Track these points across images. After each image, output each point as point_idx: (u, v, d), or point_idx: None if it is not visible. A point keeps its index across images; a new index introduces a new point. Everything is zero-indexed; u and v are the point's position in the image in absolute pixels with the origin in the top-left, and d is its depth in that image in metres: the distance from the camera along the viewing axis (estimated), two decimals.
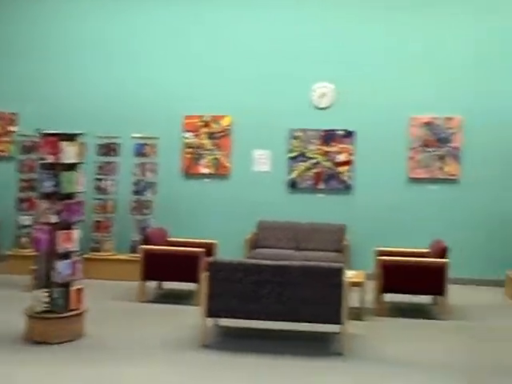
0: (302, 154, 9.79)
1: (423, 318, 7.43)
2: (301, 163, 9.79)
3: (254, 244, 9.45)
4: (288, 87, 9.81)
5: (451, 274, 9.06)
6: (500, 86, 9.32)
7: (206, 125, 10.00)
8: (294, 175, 9.81)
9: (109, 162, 9.38)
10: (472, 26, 9.37)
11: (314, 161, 9.77)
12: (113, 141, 9.40)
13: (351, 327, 6.90)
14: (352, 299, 8.12)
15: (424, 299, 8.29)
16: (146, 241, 8.06)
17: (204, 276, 6.18)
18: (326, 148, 9.74)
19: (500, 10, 9.29)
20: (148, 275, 7.90)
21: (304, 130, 9.76)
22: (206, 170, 10.01)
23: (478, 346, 6.39)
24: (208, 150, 10.00)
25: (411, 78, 9.52)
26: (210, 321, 6.90)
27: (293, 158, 9.82)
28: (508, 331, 6.96)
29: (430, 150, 9.52)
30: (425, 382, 5.38)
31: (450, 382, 5.38)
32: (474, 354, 6.13)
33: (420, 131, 9.54)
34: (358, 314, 7.42)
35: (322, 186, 9.74)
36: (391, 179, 9.60)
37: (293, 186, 9.81)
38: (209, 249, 8.46)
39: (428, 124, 9.52)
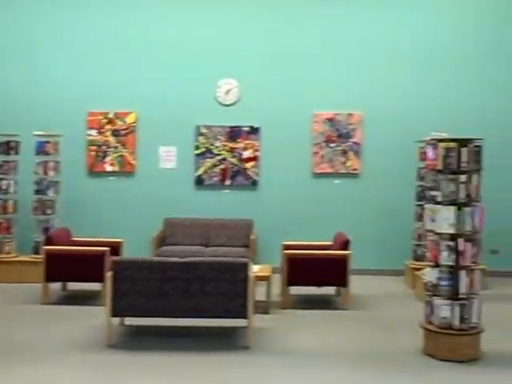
0: (209, 151, 9.83)
1: (327, 309, 7.65)
2: (207, 160, 9.83)
3: (162, 242, 9.41)
4: (194, 84, 9.82)
5: (354, 265, 9.42)
6: (397, 83, 9.71)
7: (111, 122, 9.85)
8: (200, 172, 9.84)
9: (8, 161, 9.06)
10: (369, 23, 9.70)
11: (221, 157, 9.83)
12: (12, 139, 9.09)
13: (258, 321, 7.03)
14: (258, 293, 8.27)
15: (328, 290, 8.55)
16: (49, 241, 7.86)
17: (108, 275, 6.11)
18: (231, 144, 9.82)
19: (398, 6, 9.67)
20: (51, 276, 7.70)
21: (210, 127, 9.80)
22: (110, 168, 9.85)
23: (376, 334, 6.67)
24: (113, 147, 9.86)
25: (314, 74, 9.75)
26: (116, 320, 6.83)
27: (199, 155, 9.84)
28: (406, 319, 7.29)
29: (333, 145, 9.80)
30: (327, 370, 5.56)
31: (352, 369, 5.59)
32: (373, 342, 6.39)
33: (323, 127, 9.79)
34: (264, 308, 7.56)
35: (228, 182, 9.82)
36: (296, 174, 9.81)
37: (199, 182, 9.84)
38: (115, 248, 8.35)
39: (330, 120, 9.79)
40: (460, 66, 9.67)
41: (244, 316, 6.10)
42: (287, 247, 8.32)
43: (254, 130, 9.81)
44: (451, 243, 5.94)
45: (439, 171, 6.06)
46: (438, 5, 9.64)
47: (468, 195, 5.95)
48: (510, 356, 6.01)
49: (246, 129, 9.81)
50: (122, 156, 9.85)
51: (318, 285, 7.68)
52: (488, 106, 9.66)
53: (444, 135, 6.35)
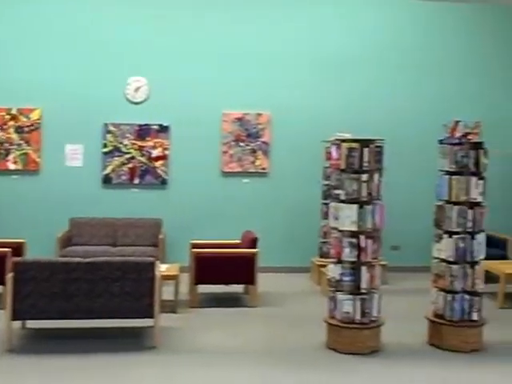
0: (117, 149, 9.68)
1: (236, 307, 7.72)
2: (115, 158, 9.68)
3: (67, 242, 9.17)
4: (102, 81, 9.64)
5: (262, 263, 9.55)
6: (304, 84, 9.92)
7: (14, 118, 9.51)
8: (108, 170, 9.67)
9: None
10: (279, 25, 9.85)
11: (129, 156, 9.71)
12: None
13: (165, 320, 7.00)
14: (167, 292, 8.24)
15: (236, 288, 8.63)
16: None
17: (9, 277, 5.90)
18: (140, 143, 9.72)
19: (305, 9, 9.87)
20: None
21: (118, 125, 9.66)
22: (13, 166, 9.51)
23: (283, 330, 6.80)
24: (16, 144, 9.52)
25: (224, 74, 9.80)
26: (17, 324, 6.61)
27: (107, 153, 9.67)
28: (312, 314, 7.47)
29: (242, 144, 9.89)
30: (235, 368, 5.62)
31: (259, 366, 5.68)
32: (280, 338, 6.52)
33: (232, 126, 9.86)
34: (172, 307, 7.53)
35: (137, 180, 9.71)
36: (205, 173, 9.83)
37: (107, 181, 9.67)
38: (17, 249, 8.07)
39: (239, 119, 9.88)
40: (363, 67, 10.00)
41: (151, 316, 6.06)
42: (195, 246, 8.33)
43: (163, 129, 9.75)
44: (353, 240, 6.14)
45: (342, 170, 6.26)
46: (341, 8, 9.92)
47: (369, 193, 6.17)
48: (408, 347, 6.29)
49: (155, 127, 9.73)
50: (25, 154, 9.53)
51: (226, 283, 7.73)
52: (390, 107, 10.04)
53: (348, 136, 6.55)
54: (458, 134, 6.45)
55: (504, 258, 9.21)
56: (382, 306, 7.86)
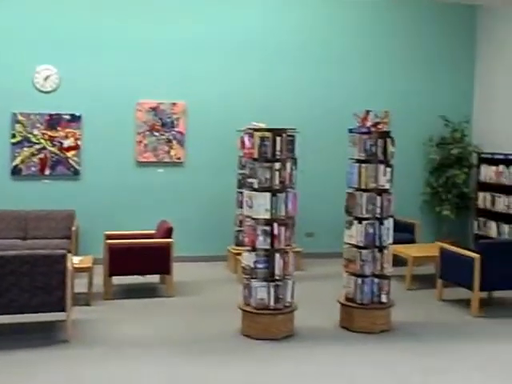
0: (26, 139, 9.37)
1: (152, 297, 7.68)
2: (25, 149, 9.37)
3: None
4: (10, 69, 9.28)
5: (179, 252, 9.54)
6: (219, 73, 9.92)
7: None
8: (17, 161, 9.35)
9: None
10: (198, 15, 9.80)
11: (40, 146, 9.42)
12: None
13: (79, 313, 6.88)
14: (80, 285, 8.09)
15: (153, 279, 8.58)
16: None
17: None
18: (51, 133, 9.45)
19: (233, 1, 9.86)
20: None
21: (28, 114, 9.34)
22: None
23: (199, 319, 6.83)
24: None
25: (138, 63, 9.66)
26: None
27: (16, 144, 9.34)
28: (228, 302, 7.54)
29: (157, 134, 9.80)
30: (150, 359, 5.60)
31: (174, 355, 5.69)
32: (196, 327, 6.54)
33: (147, 116, 9.75)
34: (86, 300, 7.41)
35: (48, 171, 9.44)
36: (120, 163, 9.68)
37: (16, 172, 9.35)
38: None
39: (154, 109, 9.77)
40: (280, 58, 10.10)
41: (62, 309, 5.94)
42: (109, 237, 8.21)
43: (75, 119, 9.51)
44: (267, 228, 6.23)
45: (255, 159, 6.33)
46: (269, 3, 9.99)
47: (282, 182, 6.28)
48: (321, 330, 6.46)
49: (66, 117, 9.48)
50: None
51: (142, 274, 7.67)
52: (306, 97, 10.21)
53: (262, 125, 6.62)
54: (368, 124, 6.66)
55: (412, 241, 9.59)
56: (297, 292, 8.03)
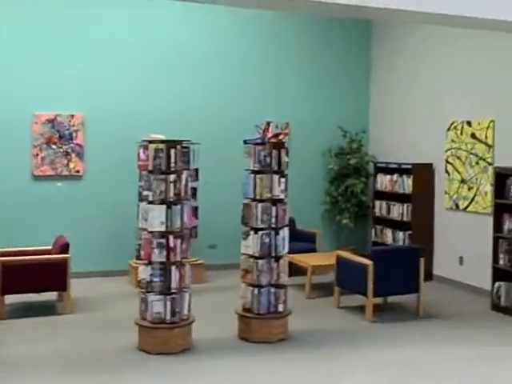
0: None
1: (48, 315, 7.44)
2: None
3: None
4: None
5: (78, 268, 9.31)
6: (119, 85, 9.79)
7: None
8: None
9: None
10: (90, 23, 9.63)
11: None
12: None
13: None
14: None
15: (50, 296, 8.32)
16: None
17: None
18: None
19: (125, 9, 9.74)
20: None
21: None
22: None
23: (96, 336, 6.67)
24: None
25: (35, 74, 9.36)
26: None
27: None
28: (127, 318, 7.41)
29: (55, 147, 9.54)
30: (39, 379, 5.41)
31: (66, 375, 5.52)
32: (92, 344, 6.39)
33: (43, 128, 9.48)
34: None
35: None
36: (15, 177, 9.34)
37: None
38: None
39: (51, 121, 9.52)
40: (181, 69, 10.09)
41: None
42: (3, 254, 7.90)
43: None
44: (162, 240, 6.19)
45: (150, 172, 6.28)
46: (158, 10, 9.93)
47: (177, 194, 6.25)
48: (219, 342, 6.47)
49: None
50: None
51: (37, 291, 7.42)
52: (208, 109, 10.23)
53: (160, 137, 6.57)
54: (269, 134, 6.76)
55: (314, 250, 9.78)
56: (198, 304, 8.01)
